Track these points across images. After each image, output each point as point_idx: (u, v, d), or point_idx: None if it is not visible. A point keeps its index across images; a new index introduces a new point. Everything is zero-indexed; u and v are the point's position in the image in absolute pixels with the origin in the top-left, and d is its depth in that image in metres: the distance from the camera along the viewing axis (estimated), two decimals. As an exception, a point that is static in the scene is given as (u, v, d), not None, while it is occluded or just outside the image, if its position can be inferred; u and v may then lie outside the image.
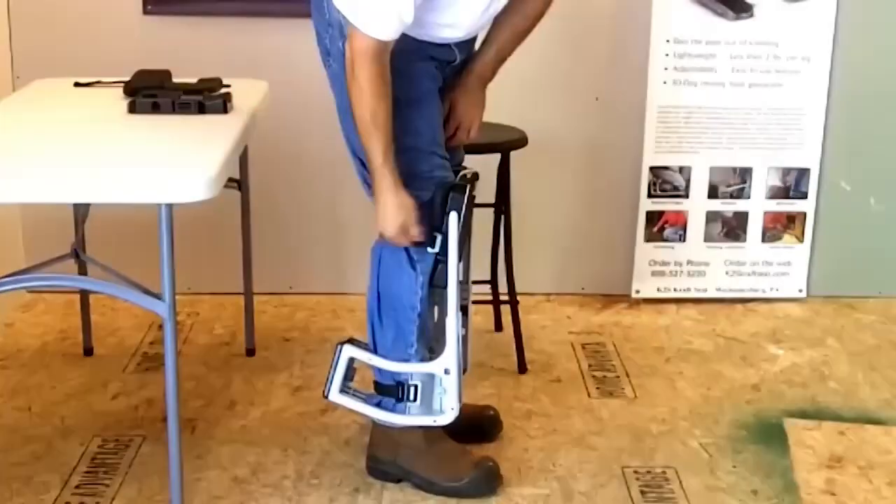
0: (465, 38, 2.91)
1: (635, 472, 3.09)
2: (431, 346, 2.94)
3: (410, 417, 2.95)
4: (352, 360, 2.97)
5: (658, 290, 4.29)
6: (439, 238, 2.83)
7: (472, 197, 2.96)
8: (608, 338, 3.96)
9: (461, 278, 2.93)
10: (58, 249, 3.32)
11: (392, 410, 2.97)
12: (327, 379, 2.98)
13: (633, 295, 4.26)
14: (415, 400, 2.93)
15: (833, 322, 4.15)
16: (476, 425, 3.20)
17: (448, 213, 2.81)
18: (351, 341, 3.00)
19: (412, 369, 2.92)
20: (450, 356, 2.88)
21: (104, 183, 2.54)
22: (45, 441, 3.18)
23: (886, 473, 3.11)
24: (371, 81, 2.66)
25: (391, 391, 2.96)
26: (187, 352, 3.76)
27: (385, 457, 3.03)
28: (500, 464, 3.02)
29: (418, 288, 2.88)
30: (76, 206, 3.43)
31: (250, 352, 3.77)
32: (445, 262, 2.84)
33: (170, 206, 2.56)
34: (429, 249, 2.85)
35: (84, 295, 3.69)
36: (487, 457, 3.03)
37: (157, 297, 2.63)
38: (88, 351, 3.73)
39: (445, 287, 2.85)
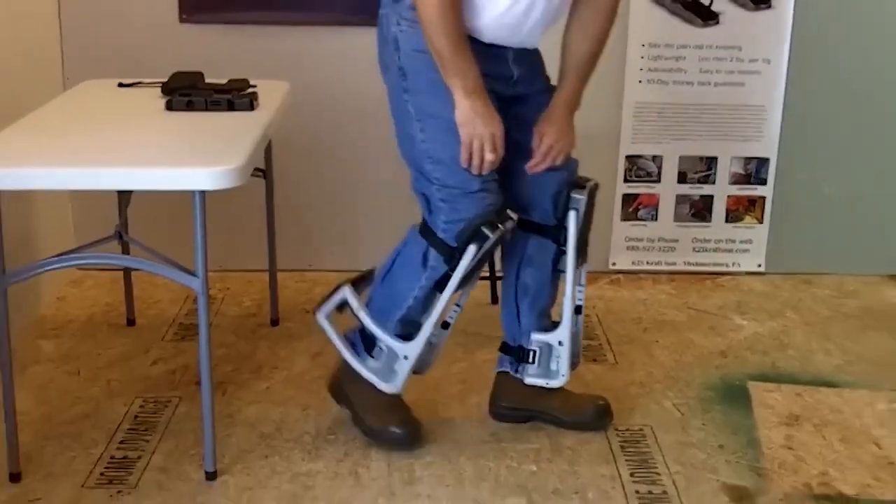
0: (514, 46, 2.72)
1: (616, 429, 3.06)
2: (410, 332, 2.85)
3: (365, 370, 2.89)
4: (345, 301, 2.93)
5: (633, 263, 4.25)
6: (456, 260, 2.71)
7: (591, 205, 2.88)
8: (592, 310, 3.91)
9: (576, 280, 2.94)
10: (103, 231, 3.28)
11: (357, 355, 2.91)
12: (321, 301, 2.97)
13: (610, 267, 4.23)
14: (376, 359, 2.88)
15: (791, 296, 4.11)
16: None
17: (467, 245, 2.69)
18: (355, 283, 2.95)
19: (385, 340, 2.86)
20: (415, 346, 2.83)
21: (145, 172, 2.52)
22: (93, 402, 3.16)
23: (838, 430, 3.09)
24: (439, 8, 2.49)
25: (368, 339, 2.91)
26: (218, 322, 3.72)
27: (342, 379, 2.99)
28: (498, 423, 3.02)
29: (417, 290, 2.80)
30: (120, 193, 3.39)
31: (274, 322, 3.73)
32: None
33: (203, 193, 2.54)
34: (443, 264, 2.73)
35: (127, 272, 3.66)
36: (415, 420, 2.95)
37: (192, 273, 2.62)
38: (131, 322, 3.70)
39: (442, 292, 2.77)
